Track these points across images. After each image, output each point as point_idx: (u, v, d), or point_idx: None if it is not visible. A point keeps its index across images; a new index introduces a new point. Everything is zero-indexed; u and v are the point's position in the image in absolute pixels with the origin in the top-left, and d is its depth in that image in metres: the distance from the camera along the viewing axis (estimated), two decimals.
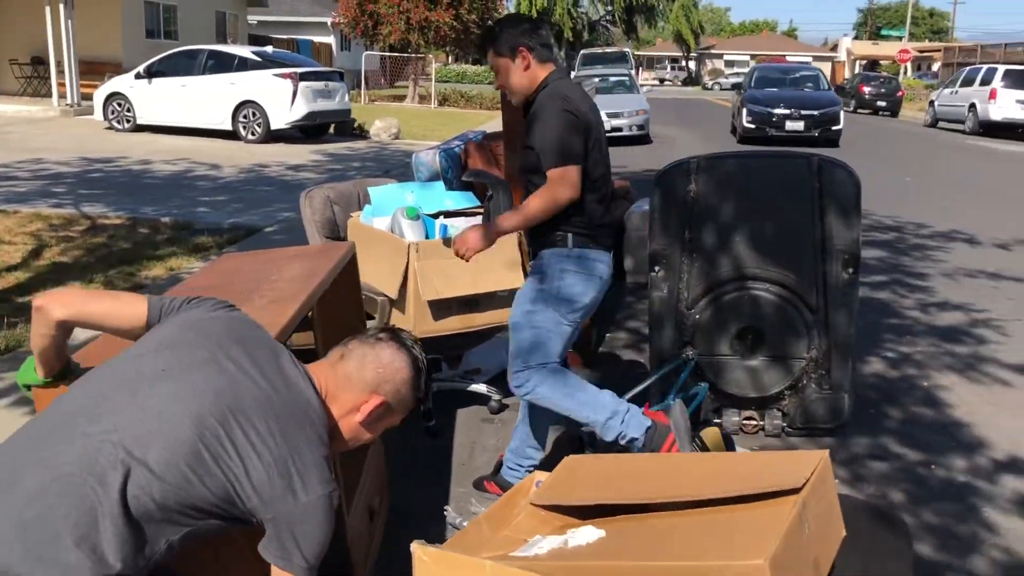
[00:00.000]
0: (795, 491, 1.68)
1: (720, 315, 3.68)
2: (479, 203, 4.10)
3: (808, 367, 3.65)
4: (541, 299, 2.95)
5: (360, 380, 1.69)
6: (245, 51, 15.42)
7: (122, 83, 15.40)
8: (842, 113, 17.37)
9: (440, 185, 4.18)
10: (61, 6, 17.63)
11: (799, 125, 16.69)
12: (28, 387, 1.89)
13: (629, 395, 3.56)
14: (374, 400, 1.70)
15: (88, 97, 17.62)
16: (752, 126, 16.82)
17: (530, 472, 3.08)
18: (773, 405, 3.76)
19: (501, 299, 3.94)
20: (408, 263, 3.58)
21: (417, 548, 1.75)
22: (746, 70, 28.40)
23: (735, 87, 19.44)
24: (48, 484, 1.41)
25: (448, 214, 3.93)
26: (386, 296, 3.66)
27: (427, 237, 3.74)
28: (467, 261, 2.97)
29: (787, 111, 16.87)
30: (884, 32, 61.79)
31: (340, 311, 2.88)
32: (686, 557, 1.56)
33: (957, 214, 9.80)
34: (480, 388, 4.15)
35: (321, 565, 1.57)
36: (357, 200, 4.18)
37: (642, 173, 11.76)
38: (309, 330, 2.73)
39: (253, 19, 30.13)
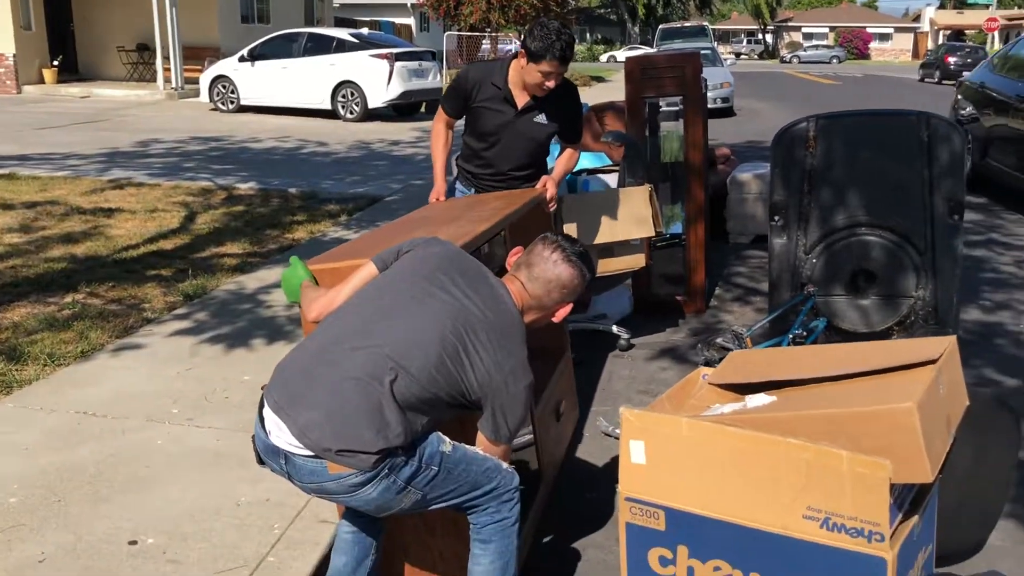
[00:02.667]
0: (931, 362, 2.14)
1: (835, 258, 4.10)
2: (610, 162, 4.59)
3: (916, 305, 4.06)
4: None
5: (549, 300, 2.27)
6: (343, 33, 16.08)
7: (227, 66, 16.22)
8: None
9: None
10: None
11: None
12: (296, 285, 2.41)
13: (753, 328, 4.04)
14: (564, 310, 2.31)
15: (190, 80, 18.59)
16: None
17: None
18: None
19: (633, 247, 4.44)
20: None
21: (625, 411, 2.25)
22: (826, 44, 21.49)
23: (959, 82, 9.99)
24: (341, 383, 1.99)
25: (590, 171, 4.42)
26: None
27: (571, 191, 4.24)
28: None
29: None
30: (971, 1, 59.89)
31: (530, 234, 3.44)
32: (847, 406, 2.04)
33: None
34: (611, 328, 4.65)
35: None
36: None
37: (733, 145, 12.08)
38: None
39: (337, 2, 30.95)
